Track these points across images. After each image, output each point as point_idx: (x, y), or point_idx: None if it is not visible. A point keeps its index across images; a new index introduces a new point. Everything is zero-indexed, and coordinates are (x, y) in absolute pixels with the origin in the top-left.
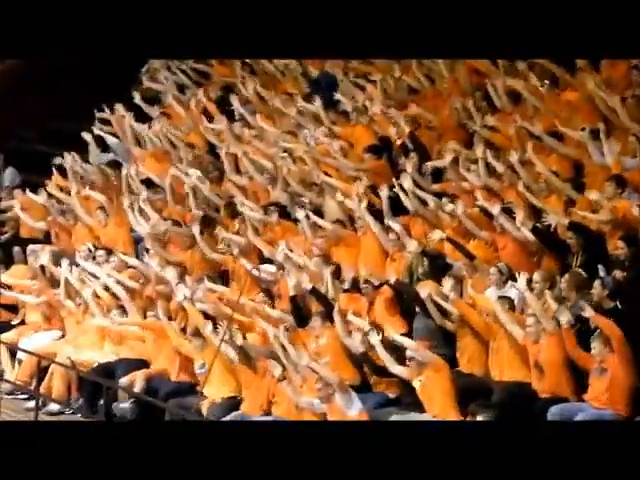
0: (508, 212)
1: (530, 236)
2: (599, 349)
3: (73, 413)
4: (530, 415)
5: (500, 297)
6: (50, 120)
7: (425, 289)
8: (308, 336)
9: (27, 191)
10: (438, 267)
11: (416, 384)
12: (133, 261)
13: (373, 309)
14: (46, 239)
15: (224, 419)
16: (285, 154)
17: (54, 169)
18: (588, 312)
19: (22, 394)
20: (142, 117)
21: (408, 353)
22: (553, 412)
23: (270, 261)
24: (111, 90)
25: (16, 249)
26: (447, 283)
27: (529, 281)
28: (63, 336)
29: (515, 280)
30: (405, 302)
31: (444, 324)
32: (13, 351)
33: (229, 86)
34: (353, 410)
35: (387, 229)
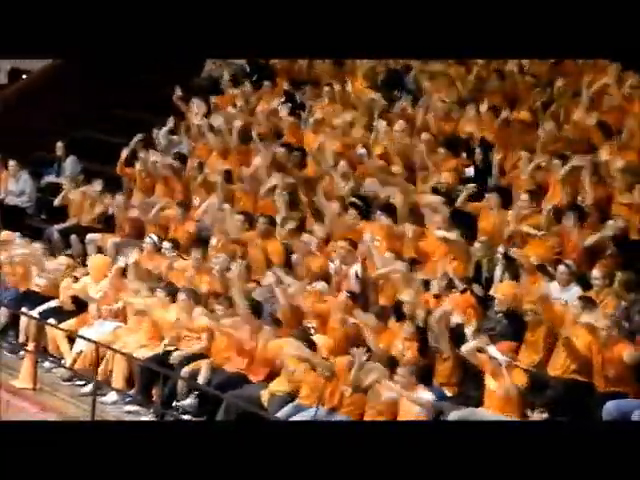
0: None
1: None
2: None
3: (129, 403)
4: (585, 410)
5: (581, 297)
6: (113, 108)
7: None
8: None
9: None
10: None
11: (494, 383)
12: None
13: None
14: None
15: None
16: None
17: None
18: None
19: (80, 381)
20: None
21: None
22: (609, 408)
23: None
24: (174, 79)
25: (73, 237)
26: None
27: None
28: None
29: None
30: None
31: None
32: (72, 339)
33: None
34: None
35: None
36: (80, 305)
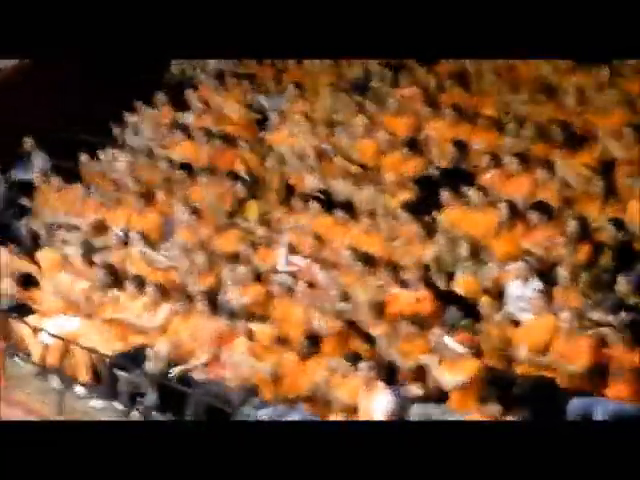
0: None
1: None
2: None
3: (97, 398)
4: (551, 408)
5: (539, 290)
6: (80, 107)
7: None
8: None
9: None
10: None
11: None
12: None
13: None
14: None
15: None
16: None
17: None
18: None
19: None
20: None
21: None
22: (574, 405)
23: None
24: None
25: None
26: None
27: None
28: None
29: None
30: None
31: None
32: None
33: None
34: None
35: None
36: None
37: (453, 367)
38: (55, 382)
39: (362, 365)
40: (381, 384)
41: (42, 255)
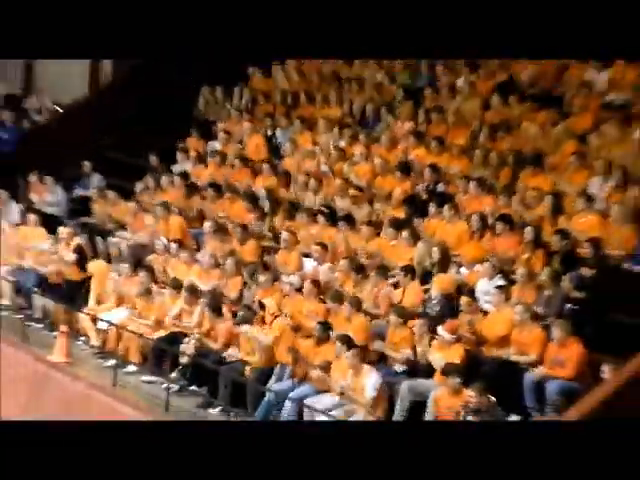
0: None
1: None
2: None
3: (145, 374)
4: (512, 383)
5: (497, 286)
6: (133, 131)
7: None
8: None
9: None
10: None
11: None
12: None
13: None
14: None
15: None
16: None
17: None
18: None
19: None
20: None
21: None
22: (528, 380)
23: None
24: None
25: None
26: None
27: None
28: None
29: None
30: None
31: None
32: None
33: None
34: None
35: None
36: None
37: (443, 350)
38: (110, 361)
39: (348, 353)
40: (367, 367)
41: (93, 265)
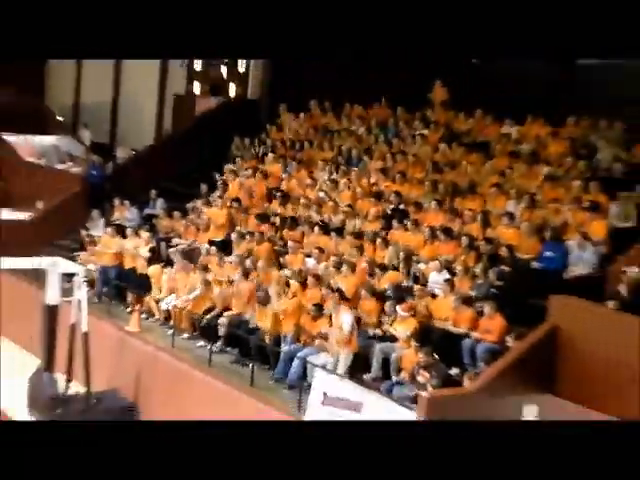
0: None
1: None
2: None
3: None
4: (453, 346)
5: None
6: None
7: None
8: None
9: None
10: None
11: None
12: None
13: None
14: None
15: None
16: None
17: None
18: None
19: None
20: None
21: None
22: (466, 344)
23: None
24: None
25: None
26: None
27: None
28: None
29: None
30: None
31: None
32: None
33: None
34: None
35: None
36: None
37: (402, 323)
38: (169, 330)
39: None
40: (344, 309)
41: (151, 268)
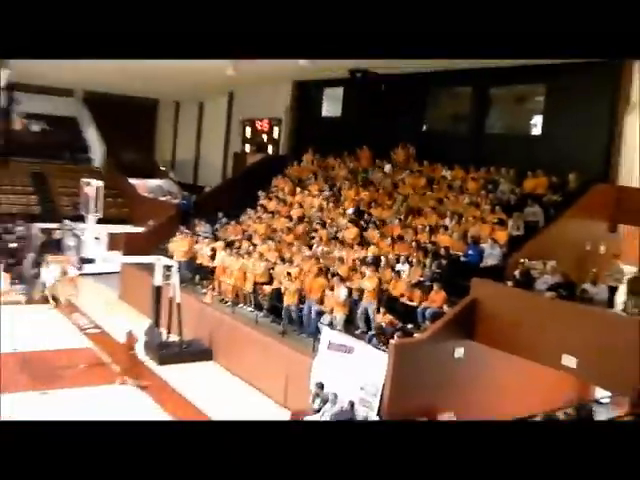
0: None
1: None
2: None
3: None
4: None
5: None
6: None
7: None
8: None
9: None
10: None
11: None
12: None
13: None
14: None
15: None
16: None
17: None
18: None
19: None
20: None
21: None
22: (419, 311)
23: None
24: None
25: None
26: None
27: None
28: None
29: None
30: None
31: None
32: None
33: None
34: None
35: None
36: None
37: (368, 280)
38: (229, 302)
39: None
40: (342, 285)
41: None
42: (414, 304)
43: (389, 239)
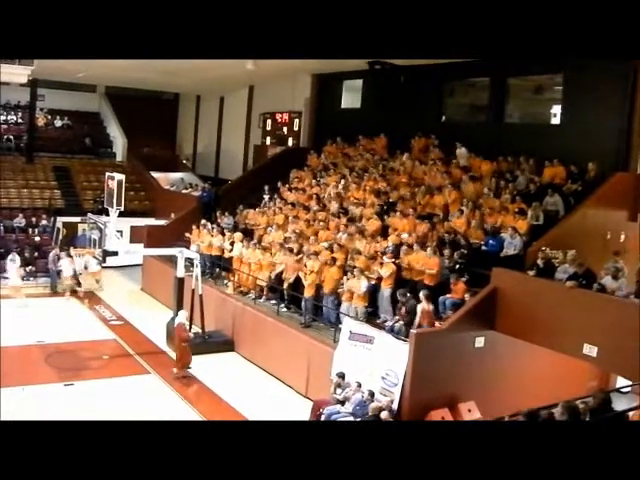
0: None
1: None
2: None
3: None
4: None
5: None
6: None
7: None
8: None
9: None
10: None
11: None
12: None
13: None
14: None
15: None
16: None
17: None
18: None
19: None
20: None
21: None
22: (440, 299)
23: None
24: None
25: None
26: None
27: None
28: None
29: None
30: None
31: None
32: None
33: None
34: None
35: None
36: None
37: (385, 267)
38: (252, 293)
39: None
40: (363, 277)
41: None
42: (432, 287)
43: (409, 218)
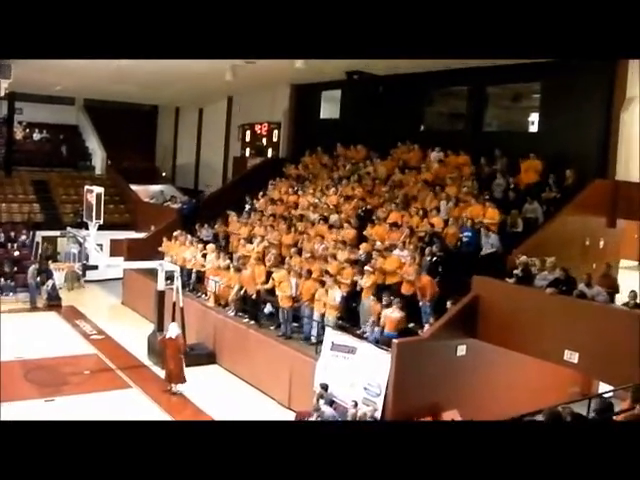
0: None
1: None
2: None
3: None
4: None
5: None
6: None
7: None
8: None
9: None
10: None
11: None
12: None
13: None
14: None
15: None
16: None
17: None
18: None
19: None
20: None
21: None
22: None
23: None
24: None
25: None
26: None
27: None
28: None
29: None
30: None
31: None
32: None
33: None
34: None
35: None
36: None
37: (366, 277)
38: (232, 310)
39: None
40: (337, 287)
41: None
42: (408, 293)
43: (386, 226)
